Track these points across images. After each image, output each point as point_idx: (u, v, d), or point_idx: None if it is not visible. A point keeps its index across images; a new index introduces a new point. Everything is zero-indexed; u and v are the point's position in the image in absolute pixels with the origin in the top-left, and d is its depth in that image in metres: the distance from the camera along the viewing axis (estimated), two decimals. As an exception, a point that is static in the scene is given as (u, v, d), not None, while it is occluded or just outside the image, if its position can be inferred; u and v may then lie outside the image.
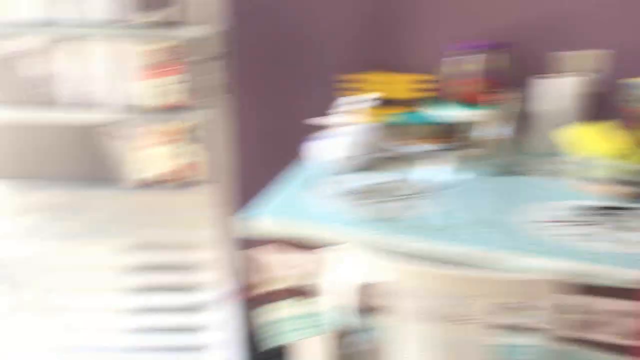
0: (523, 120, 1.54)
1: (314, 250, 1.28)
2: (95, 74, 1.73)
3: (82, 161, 1.82)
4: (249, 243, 1.43)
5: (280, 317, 1.43)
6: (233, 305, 1.94)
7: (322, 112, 1.59)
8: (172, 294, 1.94)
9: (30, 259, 1.88)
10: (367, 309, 1.23)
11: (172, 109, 1.76)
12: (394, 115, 1.62)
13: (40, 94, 1.74)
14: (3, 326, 1.96)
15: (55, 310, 1.95)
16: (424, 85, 1.67)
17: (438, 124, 1.52)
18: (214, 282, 1.90)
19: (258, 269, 1.43)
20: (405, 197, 1.32)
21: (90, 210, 1.84)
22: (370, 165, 1.51)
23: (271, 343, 1.46)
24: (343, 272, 1.19)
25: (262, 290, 1.51)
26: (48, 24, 1.70)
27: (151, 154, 1.83)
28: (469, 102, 1.53)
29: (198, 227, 1.84)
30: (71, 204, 1.84)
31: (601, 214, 1.21)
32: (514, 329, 1.10)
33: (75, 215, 1.85)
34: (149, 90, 1.74)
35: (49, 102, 1.76)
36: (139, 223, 1.86)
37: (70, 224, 1.85)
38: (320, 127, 1.58)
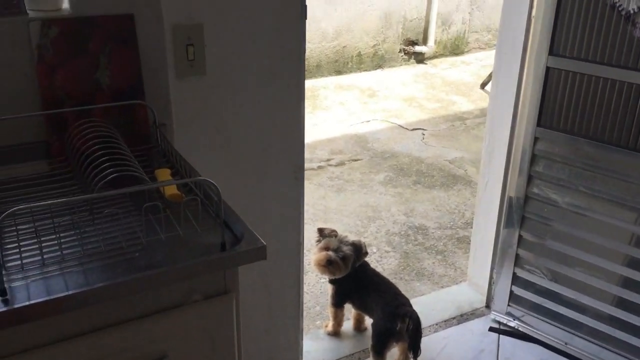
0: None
1: None
2: None
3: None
4: None
5: None
6: None
7: None
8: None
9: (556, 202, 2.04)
10: None
11: None
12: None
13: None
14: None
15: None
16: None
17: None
18: None
19: None
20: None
21: (620, 175, 1.91)
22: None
23: None
24: None
25: None
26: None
27: None
28: None
29: None
30: (605, 165, 1.91)
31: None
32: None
33: (604, 176, 1.92)
34: None
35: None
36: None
37: (597, 182, 1.95)
38: None
